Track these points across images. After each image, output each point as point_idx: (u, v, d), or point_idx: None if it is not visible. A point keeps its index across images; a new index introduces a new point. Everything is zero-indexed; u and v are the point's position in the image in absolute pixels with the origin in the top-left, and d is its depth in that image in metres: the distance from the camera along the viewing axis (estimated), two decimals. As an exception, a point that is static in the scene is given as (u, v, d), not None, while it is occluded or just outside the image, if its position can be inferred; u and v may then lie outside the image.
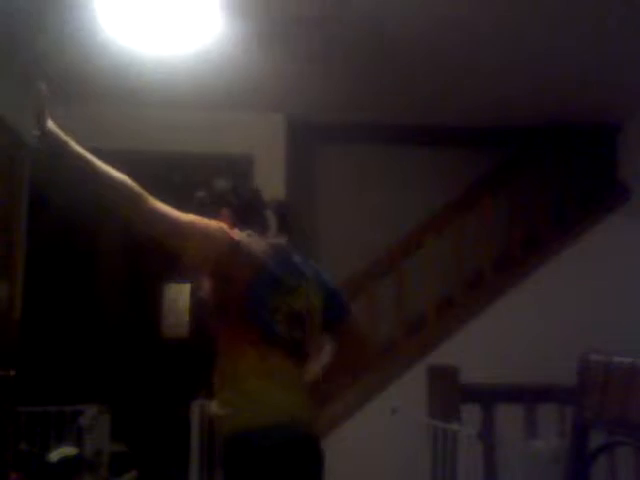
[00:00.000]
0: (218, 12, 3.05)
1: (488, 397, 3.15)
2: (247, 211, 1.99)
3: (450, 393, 3.11)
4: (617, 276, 4.29)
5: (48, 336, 5.04)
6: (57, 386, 4.66)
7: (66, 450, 1.74)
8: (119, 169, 1.87)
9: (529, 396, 3.19)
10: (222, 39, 3.30)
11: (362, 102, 4.24)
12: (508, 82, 3.96)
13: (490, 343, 4.11)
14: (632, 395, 2.11)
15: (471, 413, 3.09)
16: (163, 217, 1.75)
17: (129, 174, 1.87)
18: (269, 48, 3.43)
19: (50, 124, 1.68)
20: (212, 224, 1.81)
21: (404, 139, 4.71)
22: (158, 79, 3.72)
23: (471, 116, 4.47)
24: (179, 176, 5.04)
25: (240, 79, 3.80)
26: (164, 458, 4.54)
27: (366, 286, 4.34)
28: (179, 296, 6.81)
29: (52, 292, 5.24)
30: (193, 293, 6.91)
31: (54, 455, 1.74)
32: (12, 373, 3.36)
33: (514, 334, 4.12)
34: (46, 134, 1.65)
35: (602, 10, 3.10)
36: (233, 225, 1.91)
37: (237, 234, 1.85)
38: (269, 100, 4.15)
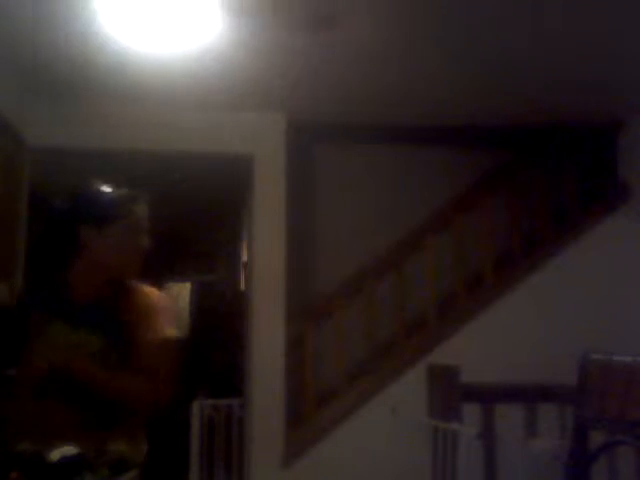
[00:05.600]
0: (218, 11, 3.05)
1: (488, 397, 3.15)
2: None
3: (450, 393, 3.11)
4: (617, 276, 4.29)
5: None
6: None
7: (66, 450, 1.73)
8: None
9: (529, 396, 3.19)
10: (222, 38, 3.30)
11: (362, 102, 4.23)
12: (508, 82, 3.95)
13: (490, 343, 4.11)
14: (632, 395, 2.11)
15: (471, 413, 3.09)
16: None
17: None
18: (269, 47, 3.43)
19: None
20: None
21: (404, 139, 4.70)
22: (158, 78, 3.72)
23: (471, 116, 4.46)
24: (179, 175, 5.05)
25: (240, 78, 3.80)
26: (164, 458, 4.54)
27: (366, 286, 4.35)
28: (179, 296, 6.81)
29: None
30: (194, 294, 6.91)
31: (54, 455, 1.74)
32: (12, 373, 3.36)
33: (514, 334, 4.12)
34: None
35: (602, 10, 3.10)
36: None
37: None
38: (269, 100, 4.15)
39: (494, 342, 4.11)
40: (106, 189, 1.83)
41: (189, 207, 5.99)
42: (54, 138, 4.01)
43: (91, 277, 1.77)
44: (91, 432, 1.72)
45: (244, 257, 5.18)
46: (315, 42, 3.38)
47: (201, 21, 3.12)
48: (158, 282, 6.03)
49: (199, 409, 4.59)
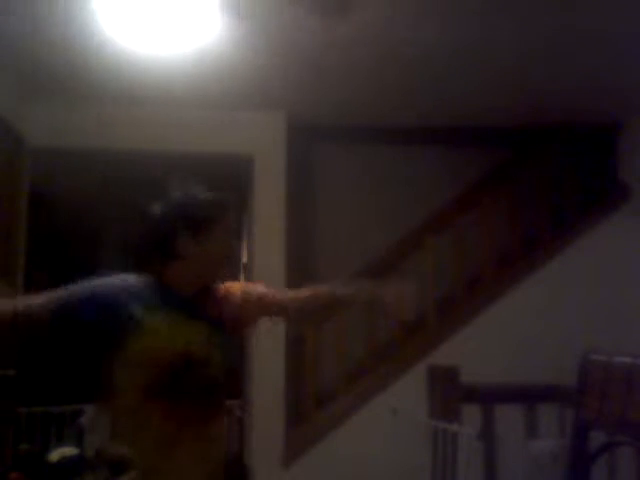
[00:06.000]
0: (218, 12, 3.05)
1: (488, 397, 3.15)
2: None
3: (450, 393, 3.10)
4: (617, 276, 4.29)
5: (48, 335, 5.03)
6: (57, 386, 4.66)
7: (66, 450, 1.74)
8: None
9: (529, 396, 3.18)
10: (222, 38, 3.30)
11: (362, 102, 4.23)
12: (509, 82, 3.96)
13: (490, 343, 4.11)
14: (632, 395, 2.11)
15: (471, 413, 3.09)
16: None
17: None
18: (269, 48, 3.43)
19: None
20: None
21: (404, 139, 4.71)
22: (158, 78, 3.72)
23: (471, 116, 4.46)
24: (179, 176, 5.04)
25: (240, 79, 3.80)
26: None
27: (366, 286, 4.33)
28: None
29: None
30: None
31: (54, 455, 1.74)
32: (12, 373, 3.37)
33: (514, 334, 4.12)
34: None
35: (603, 10, 3.10)
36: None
37: None
38: (269, 100, 4.14)
39: (494, 342, 4.11)
40: (201, 194, 1.90)
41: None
42: (54, 138, 4.01)
43: (188, 275, 1.83)
44: (200, 425, 1.76)
45: (244, 257, 5.17)
46: (315, 42, 3.38)
47: (200, 21, 3.12)
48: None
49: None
